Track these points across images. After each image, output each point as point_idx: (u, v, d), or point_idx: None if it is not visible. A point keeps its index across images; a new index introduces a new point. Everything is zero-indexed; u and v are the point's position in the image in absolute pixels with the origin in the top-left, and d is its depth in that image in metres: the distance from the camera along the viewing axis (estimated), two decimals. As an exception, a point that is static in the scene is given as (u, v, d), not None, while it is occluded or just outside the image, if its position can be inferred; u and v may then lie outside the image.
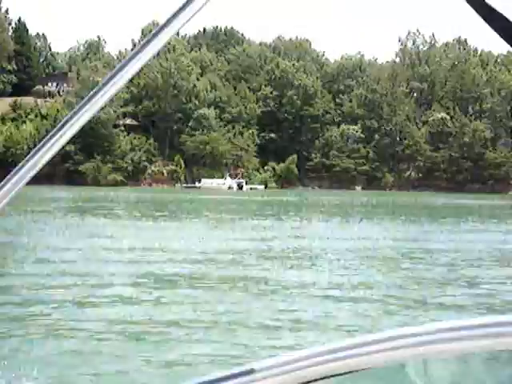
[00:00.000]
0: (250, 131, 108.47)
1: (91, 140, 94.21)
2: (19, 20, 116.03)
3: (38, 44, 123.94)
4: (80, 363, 9.08)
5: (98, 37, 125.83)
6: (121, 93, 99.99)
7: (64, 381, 8.63)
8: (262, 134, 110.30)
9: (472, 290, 15.56)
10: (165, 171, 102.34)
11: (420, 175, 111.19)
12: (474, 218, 43.75)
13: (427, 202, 73.83)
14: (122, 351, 9.74)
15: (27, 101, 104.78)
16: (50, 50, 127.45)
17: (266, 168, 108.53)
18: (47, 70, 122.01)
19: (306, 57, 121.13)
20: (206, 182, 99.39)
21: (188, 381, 0.94)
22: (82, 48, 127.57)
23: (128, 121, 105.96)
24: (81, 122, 1.08)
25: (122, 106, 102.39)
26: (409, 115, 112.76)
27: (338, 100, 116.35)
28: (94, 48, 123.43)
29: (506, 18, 1.03)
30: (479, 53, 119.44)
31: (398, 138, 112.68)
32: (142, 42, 1.08)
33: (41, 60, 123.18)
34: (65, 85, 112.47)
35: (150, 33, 1.10)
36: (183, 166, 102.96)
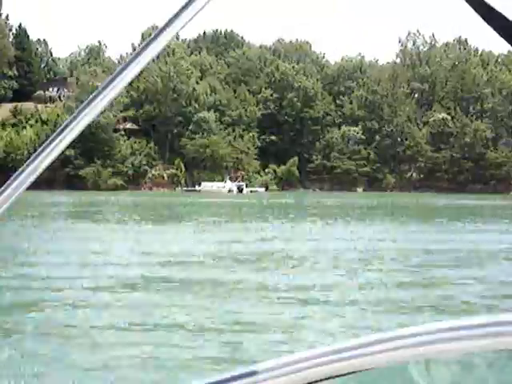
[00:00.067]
0: (251, 134, 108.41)
1: (91, 144, 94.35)
2: (20, 26, 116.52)
3: (39, 49, 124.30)
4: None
5: (99, 41, 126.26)
6: (120, 97, 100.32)
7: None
8: (263, 137, 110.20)
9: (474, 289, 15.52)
10: (165, 175, 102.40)
11: (421, 176, 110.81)
12: (476, 219, 43.63)
13: (429, 202, 73.65)
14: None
15: (28, 106, 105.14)
16: (51, 55, 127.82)
17: (266, 170, 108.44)
18: (48, 76, 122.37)
19: (307, 59, 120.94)
20: (206, 186, 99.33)
21: (199, 380, 0.94)
22: (82, 53, 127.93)
23: (128, 125, 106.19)
24: (81, 126, 1.07)
25: (121, 111, 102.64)
26: (409, 116, 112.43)
27: (338, 102, 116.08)
28: (94, 53, 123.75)
29: (506, 17, 1.02)
30: (480, 53, 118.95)
31: (398, 139, 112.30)
32: (140, 46, 1.08)
33: (42, 65, 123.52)
34: (65, 90, 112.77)
35: (149, 37, 1.10)
36: (183, 169, 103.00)
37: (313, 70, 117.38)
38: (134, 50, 1.01)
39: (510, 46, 1.05)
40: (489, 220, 43.10)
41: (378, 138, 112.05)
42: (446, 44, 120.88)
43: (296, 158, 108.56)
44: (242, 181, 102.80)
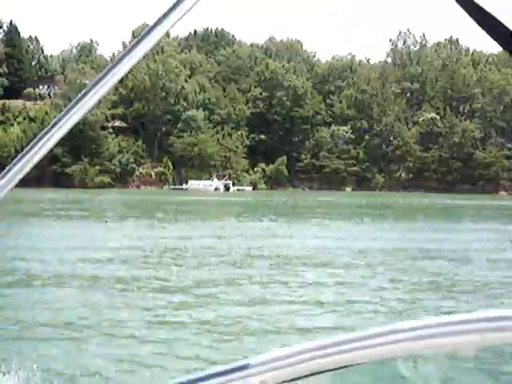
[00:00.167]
0: (239, 132, 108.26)
1: (79, 142, 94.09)
2: (11, 23, 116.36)
3: (31, 47, 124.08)
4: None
5: (91, 39, 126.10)
6: (109, 95, 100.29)
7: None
8: (252, 136, 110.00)
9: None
10: (153, 173, 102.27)
11: (410, 176, 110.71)
12: (465, 219, 43.67)
13: (417, 202, 73.60)
14: None
15: (16, 104, 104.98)
16: (43, 52, 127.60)
17: (255, 169, 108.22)
18: (40, 73, 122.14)
19: (298, 58, 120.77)
20: (192, 184, 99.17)
21: (183, 376, 0.94)
22: (74, 51, 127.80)
23: (117, 123, 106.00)
24: (70, 123, 1.06)
25: (110, 109, 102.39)
26: (399, 116, 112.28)
27: (328, 101, 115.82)
28: (86, 50, 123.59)
29: (496, 19, 1.02)
30: (471, 52, 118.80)
31: (388, 139, 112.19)
32: (130, 44, 1.07)
33: (33, 63, 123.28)
34: (55, 87, 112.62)
35: (139, 35, 1.10)
36: (171, 167, 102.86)
37: (303, 68, 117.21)
38: (125, 48, 1.07)
39: (501, 47, 1.04)
40: (477, 220, 43.09)
41: (367, 137, 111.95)
42: (437, 44, 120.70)
43: (285, 157, 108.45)
44: (230, 179, 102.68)
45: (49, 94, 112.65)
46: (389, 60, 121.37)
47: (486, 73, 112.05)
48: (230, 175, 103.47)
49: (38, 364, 8.04)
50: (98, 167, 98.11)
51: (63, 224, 34.37)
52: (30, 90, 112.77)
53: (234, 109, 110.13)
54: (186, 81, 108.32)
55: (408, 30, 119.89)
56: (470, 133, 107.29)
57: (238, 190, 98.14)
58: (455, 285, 16.75)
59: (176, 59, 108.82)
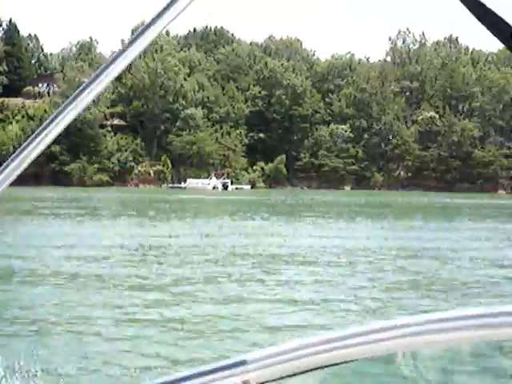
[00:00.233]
0: (238, 131, 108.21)
1: (77, 140, 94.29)
2: (10, 21, 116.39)
3: (30, 45, 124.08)
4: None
5: (90, 38, 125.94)
6: (108, 93, 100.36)
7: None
8: (251, 134, 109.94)
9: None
10: (152, 171, 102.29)
11: (409, 174, 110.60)
12: (463, 218, 43.65)
13: (416, 201, 73.57)
14: None
15: (15, 102, 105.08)
16: (43, 50, 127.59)
17: (254, 168, 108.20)
18: (39, 71, 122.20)
19: (297, 56, 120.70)
20: (191, 182, 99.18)
21: (180, 372, 0.94)
22: (74, 49, 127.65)
23: (116, 121, 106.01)
24: (66, 120, 1.06)
25: (108, 107, 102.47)
26: (398, 114, 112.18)
27: (327, 99, 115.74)
28: (85, 49, 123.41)
29: (497, 15, 1.02)
30: (470, 51, 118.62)
31: (387, 138, 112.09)
32: (127, 41, 1.07)
33: (33, 61, 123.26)
34: (55, 85, 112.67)
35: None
36: (170, 166, 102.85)
37: (302, 67, 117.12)
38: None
39: (502, 43, 1.04)
40: (476, 218, 43.07)
41: (366, 136, 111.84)
42: (437, 42, 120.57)
43: (284, 156, 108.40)
44: (229, 178, 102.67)
45: (48, 92, 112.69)
46: (388, 59, 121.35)
47: (485, 72, 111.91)
48: (228, 174, 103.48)
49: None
50: (96, 165, 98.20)
51: (57, 222, 34.37)
52: (29, 88, 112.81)
53: (233, 107, 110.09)
54: (184, 79, 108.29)
55: (407, 29, 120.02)
56: (469, 132, 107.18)
57: (237, 188, 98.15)
58: (452, 283, 16.66)
59: (175, 57, 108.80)
